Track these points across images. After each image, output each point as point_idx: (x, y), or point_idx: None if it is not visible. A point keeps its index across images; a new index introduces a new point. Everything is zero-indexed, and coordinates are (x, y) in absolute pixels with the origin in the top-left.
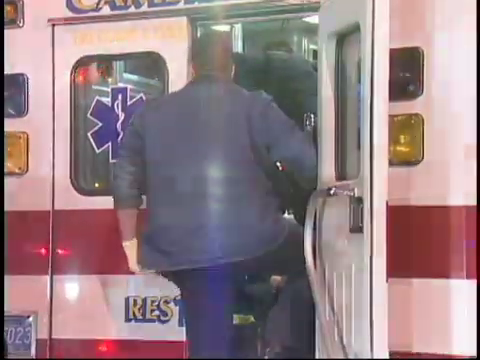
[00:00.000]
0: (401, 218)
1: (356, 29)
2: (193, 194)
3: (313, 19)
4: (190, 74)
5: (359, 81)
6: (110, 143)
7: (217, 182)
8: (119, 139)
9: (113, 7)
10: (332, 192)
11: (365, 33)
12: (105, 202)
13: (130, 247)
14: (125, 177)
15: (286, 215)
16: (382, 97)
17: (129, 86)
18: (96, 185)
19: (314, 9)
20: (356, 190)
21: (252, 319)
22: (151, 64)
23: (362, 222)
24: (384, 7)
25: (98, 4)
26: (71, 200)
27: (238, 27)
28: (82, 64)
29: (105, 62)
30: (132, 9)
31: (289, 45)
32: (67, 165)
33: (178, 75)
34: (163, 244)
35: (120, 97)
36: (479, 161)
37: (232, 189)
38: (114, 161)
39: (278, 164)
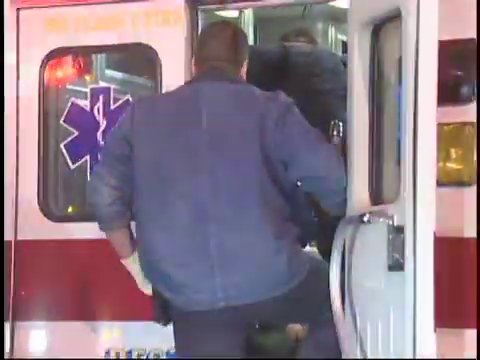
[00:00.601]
0: (452, 252)
1: (397, 16)
2: (190, 219)
3: (341, 3)
4: (189, 71)
5: (400, 81)
6: (88, 157)
7: (221, 205)
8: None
9: None
10: (365, 219)
11: (407, 21)
12: (81, 230)
13: (132, 262)
14: (106, 191)
15: (308, 248)
16: (429, 101)
17: (112, 86)
18: (70, 209)
19: None
20: (396, 217)
21: None
22: (140, 58)
23: (403, 257)
24: None
25: None
26: (38, 228)
27: (248, 13)
28: (54, 58)
29: (83, 56)
30: None
31: (312, 35)
32: (34, 184)
33: (174, 72)
34: (154, 281)
35: (101, 99)
36: None
37: (240, 214)
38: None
39: (298, 184)
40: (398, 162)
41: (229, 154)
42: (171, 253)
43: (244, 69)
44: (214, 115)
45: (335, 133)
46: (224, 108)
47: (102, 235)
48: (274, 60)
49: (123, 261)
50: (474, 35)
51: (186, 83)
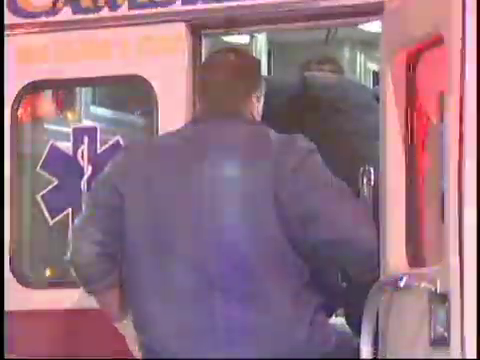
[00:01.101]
0: None
1: (438, 42)
2: (193, 288)
3: (372, 26)
4: (192, 108)
5: (442, 120)
6: (70, 210)
7: (228, 271)
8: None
9: (77, 9)
10: (402, 284)
11: (451, 48)
12: (63, 298)
13: (126, 326)
14: (90, 248)
15: (333, 318)
16: (477, 143)
17: (100, 125)
18: (48, 273)
19: (374, 12)
20: (439, 282)
21: None
22: (133, 93)
23: (448, 331)
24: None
25: (54, 4)
26: (11, 296)
27: (261, 38)
28: (29, 93)
29: (64, 90)
30: (105, 12)
31: (338, 62)
32: (5, 244)
33: (173, 109)
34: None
35: (86, 141)
36: None
37: (250, 281)
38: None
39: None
40: (442, 216)
41: (237, 211)
42: (172, 328)
43: (258, 104)
44: (221, 164)
45: (365, 182)
46: (233, 156)
47: (90, 303)
48: (291, 94)
49: (115, 324)
50: None
51: (188, 123)
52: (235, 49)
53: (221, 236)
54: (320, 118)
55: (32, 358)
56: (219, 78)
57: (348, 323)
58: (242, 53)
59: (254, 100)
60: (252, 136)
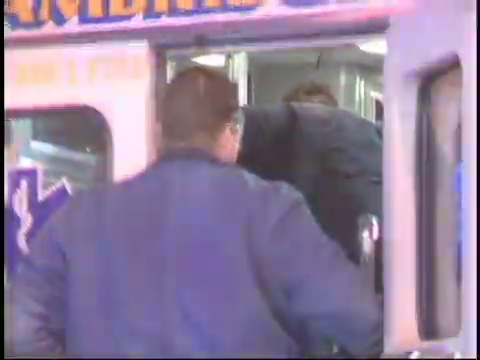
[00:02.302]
0: None
1: (455, 66)
2: None
3: (374, 46)
4: (153, 145)
5: (460, 160)
6: (4, 269)
7: (195, 351)
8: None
9: (14, 24)
10: (414, 359)
11: (469, 74)
12: None
13: None
14: (26, 322)
15: None
16: None
17: (40, 166)
18: None
19: (377, 30)
20: (458, 356)
21: None
22: (81, 126)
23: None
24: None
25: None
26: None
27: (239, 60)
28: None
29: None
30: (49, 28)
31: (329, 93)
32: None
33: (131, 147)
34: None
35: (25, 185)
36: None
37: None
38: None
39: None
40: (459, 278)
41: (207, 278)
42: None
43: (233, 138)
44: (186, 217)
45: (365, 235)
46: (200, 205)
47: None
48: (276, 128)
49: None
50: None
51: (149, 165)
52: (205, 69)
53: (185, 309)
54: (312, 158)
55: (32, 358)
56: (184, 105)
57: None
58: (215, 74)
59: (228, 133)
60: (223, 183)
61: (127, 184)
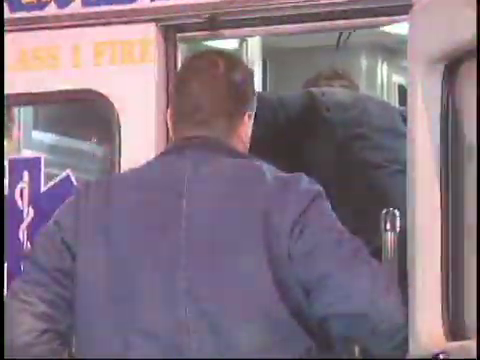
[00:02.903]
0: None
1: None
2: None
3: (397, 28)
4: (163, 134)
5: None
6: (5, 266)
7: (206, 350)
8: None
9: (15, 6)
10: None
11: None
12: None
13: None
14: (30, 323)
15: None
16: None
17: (44, 156)
18: None
19: (400, 11)
20: None
21: None
22: (88, 114)
23: None
24: None
25: None
26: None
27: (254, 43)
28: None
29: None
30: (51, 9)
31: (351, 78)
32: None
33: (140, 135)
34: None
35: (27, 177)
36: None
37: (236, 356)
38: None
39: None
40: None
41: (222, 276)
42: None
43: (249, 124)
44: (199, 211)
45: (388, 227)
46: (215, 200)
47: None
48: (295, 115)
49: None
50: None
51: (160, 155)
52: (222, 53)
53: (198, 305)
54: (334, 147)
55: (32, 358)
56: (202, 92)
57: None
58: (232, 58)
59: (246, 120)
60: (240, 176)
61: (137, 175)
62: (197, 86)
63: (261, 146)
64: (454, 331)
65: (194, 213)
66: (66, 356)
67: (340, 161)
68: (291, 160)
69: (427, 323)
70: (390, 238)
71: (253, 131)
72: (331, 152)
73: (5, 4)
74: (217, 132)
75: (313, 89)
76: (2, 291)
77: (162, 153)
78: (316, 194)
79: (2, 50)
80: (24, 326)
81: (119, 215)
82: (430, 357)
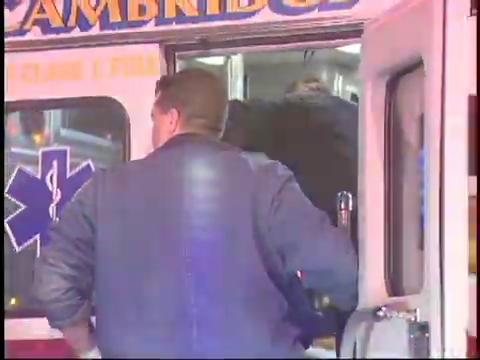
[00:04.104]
0: None
1: (418, 65)
2: (169, 322)
3: (351, 48)
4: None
5: (422, 144)
6: (38, 237)
7: (204, 305)
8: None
9: (46, 29)
10: (381, 314)
11: (431, 72)
12: (31, 327)
13: (92, 355)
14: (56, 282)
15: (313, 349)
16: (458, 168)
17: (69, 148)
18: (13, 302)
19: (353, 34)
20: (419, 311)
21: None
22: (104, 116)
23: None
24: (460, 32)
25: (23, 24)
26: None
27: (237, 60)
28: None
29: (32, 112)
30: (76, 32)
31: (320, 81)
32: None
33: (146, 133)
34: None
35: (55, 165)
36: None
37: (227, 316)
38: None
39: (298, 275)
40: (421, 244)
41: (215, 242)
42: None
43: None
44: (198, 193)
45: (343, 207)
46: (211, 184)
47: (54, 333)
48: (272, 118)
49: (81, 356)
50: None
51: (162, 148)
52: (212, 73)
53: (198, 268)
54: (313, 143)
55: (32, 358)
56: (202, 100)
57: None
58: (219, 78)
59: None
60: (231, 163)
61: (144, 163)
62: (206, 97)
63: (253, 142)
64: (394, 289)
65: (194, 196)
66: (86, 308)
67: (318, 155)
68: (276, 154)
69: (373, 283)
70: (344, 215)
71: (243, 131)
72: (311, 148)
73: (37, 27)
74: (213, 132)
75: (289, 95)
76: (2, 291)
77: (164, 146)
78: (289, 177)
79: (2, 53)
80: (52, 285)
81: (131, 195)
82: (374, 309)
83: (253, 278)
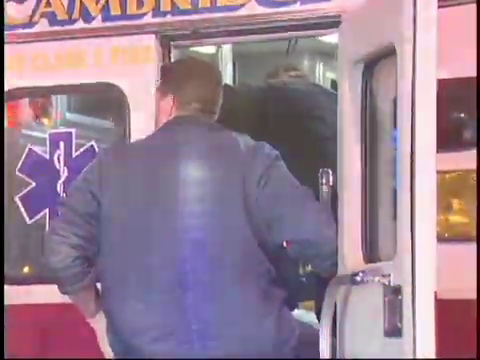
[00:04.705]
0: (455, 316)
1: (391, 53)
2: (169, 287)
3: (330, 38)
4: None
5: (395, 124)
6: (47, 211)
7: (200, 271)
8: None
9: (53, 21)
10: (358, 279)
11: (402, 58)
12: (41, 293)
13: (98, 321)
14: (65, 251)
15: (296, 311)
16: (427, 146)
17: (75, 130)
18: (26, 270)
19: (332, 25)
20: (392, 276)
21: None
22: (106, 100)
23: (401, 322)
24: (429, 23)
25: (31, 17)
26: None
27: (226, 49)
28: (8, 100)
29: (41, 97)
30: (79, 24)
31: (300, 69)
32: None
33: (144, 115)
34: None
35: (62, 146)
36: None
37: (220, 281)
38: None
39: (284, 244)
40: (395, 216)
41: (209, 214)
42: (147, 326)
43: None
44: (194, 170)
45: (324, 182)
46: (205, 162)
47: (64, 298)
48: (256, 98)
49: (88, 320)
50: (474, 74)
51: (160, 130)
52: (207, 60)
53: (193, 237)
54: (294, 124)
55: (31, 358)
56: (205, 89)
57: (318, 317)
58: (213, 65)
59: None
60: (223, 142)
61: (144, 143)
62: (201, 84)
63: (240, 123)
64: (370, 256)
65: (190, 173)
66: (92, 275)
67: (300, 136)
68: (262, 133)
69: (351, 251)
70: (325, 190)
71: (232, 112)
72: (292, 129)
73: (44, 19)
74: (208, 115)
75: (274, 81)
76: (2, 291)
77: (162, 127)
78: (276, 156)
79: (2, 50)
80: (62, 254)
81: (133, 171)
82: (352, 274)
83: (243, 247)
